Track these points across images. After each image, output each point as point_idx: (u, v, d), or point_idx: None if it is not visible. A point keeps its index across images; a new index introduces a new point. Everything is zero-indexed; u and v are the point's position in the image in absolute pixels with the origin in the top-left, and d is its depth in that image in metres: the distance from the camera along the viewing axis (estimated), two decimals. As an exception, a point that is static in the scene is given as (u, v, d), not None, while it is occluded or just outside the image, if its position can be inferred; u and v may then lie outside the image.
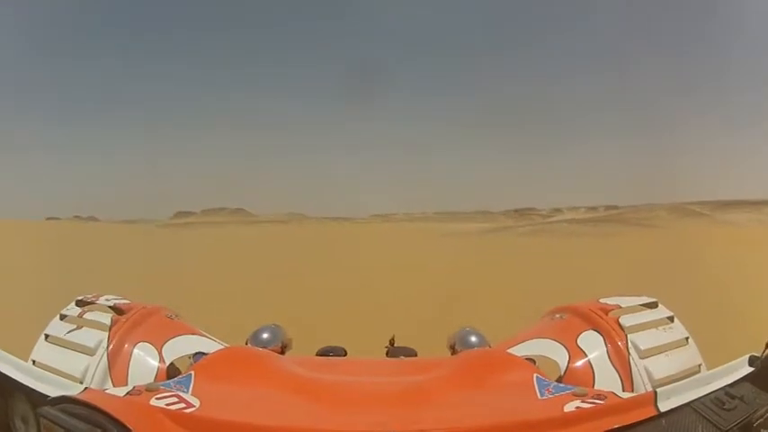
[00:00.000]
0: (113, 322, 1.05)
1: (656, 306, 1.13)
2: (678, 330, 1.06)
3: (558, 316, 1.18)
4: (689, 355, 1.01)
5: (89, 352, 0.99)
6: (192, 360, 1.06)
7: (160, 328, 1.10)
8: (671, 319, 1.09)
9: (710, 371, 0.76)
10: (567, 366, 1.02)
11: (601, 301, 1.16)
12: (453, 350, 1.30)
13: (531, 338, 1.12)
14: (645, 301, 1.14)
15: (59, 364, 0.96)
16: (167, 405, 0.73)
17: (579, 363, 1.02)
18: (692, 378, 0.76)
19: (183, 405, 0.74)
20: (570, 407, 0.73)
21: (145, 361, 1.02)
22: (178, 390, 0.80)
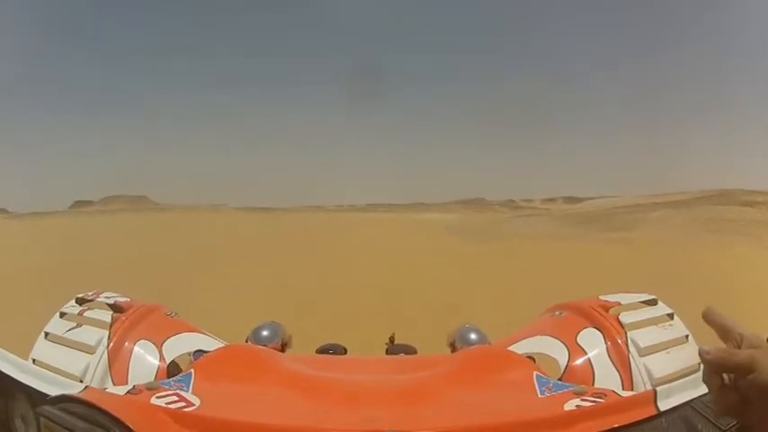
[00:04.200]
0: (113, 320, 1.05)
1: (656, 303, 1.13)
2: (678, 328, 1.05)
3: (557, 313, 1.18)
4: (689, 353, 1.01)
5: (89, 350, 0.99)
6: (192, 358, 1.06)
7: (160, 325, 1.11)
8: (671, 316, 1.08)
9: None
10: (567, 364, 1.01)
11: (601, 297, 1.15)
12: (453, 347, 1.30)
13: (531, 336, 1.12)
14: (645, 298, 1.14)
15: (60, 363, 0.96)
16: (168, 404, 0.73)
17: (579, 360, 1.02)
18: (692, 377, 0.75)
19: (183, 404, 0.74)
20: (570, 405, 0.72)
21: (145, 359, 1.02)
22: (178, 388, 0.80)
